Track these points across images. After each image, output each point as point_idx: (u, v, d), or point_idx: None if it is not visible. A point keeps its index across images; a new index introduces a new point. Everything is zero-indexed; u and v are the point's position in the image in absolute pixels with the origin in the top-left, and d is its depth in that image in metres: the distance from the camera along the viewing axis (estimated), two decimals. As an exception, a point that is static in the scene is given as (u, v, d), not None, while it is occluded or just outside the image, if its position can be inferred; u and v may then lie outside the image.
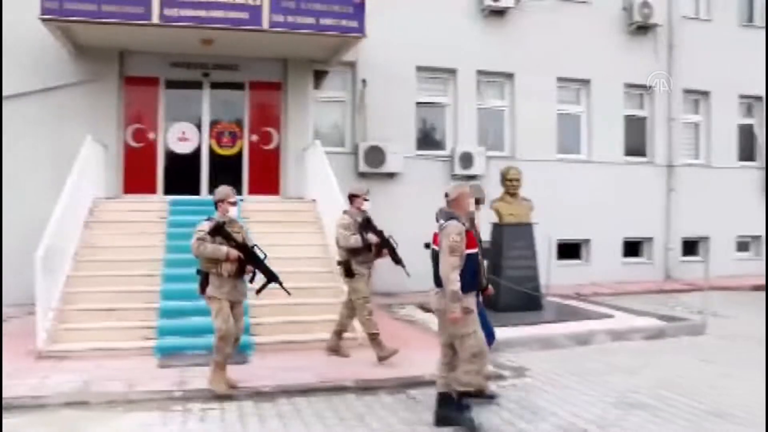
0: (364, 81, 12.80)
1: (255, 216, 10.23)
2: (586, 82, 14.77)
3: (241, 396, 6.11)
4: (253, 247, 6.37)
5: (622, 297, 12.49)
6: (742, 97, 16.40)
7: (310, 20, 10.43)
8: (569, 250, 14.64)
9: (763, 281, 14.78)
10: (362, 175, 12.53)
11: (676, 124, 15.60)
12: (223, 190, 6.46)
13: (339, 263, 7.50)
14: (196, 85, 12.18)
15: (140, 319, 7.98)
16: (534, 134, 14.07)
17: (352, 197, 7.57)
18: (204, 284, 6.25)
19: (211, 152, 12.20)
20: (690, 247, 15.83)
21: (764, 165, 16.53)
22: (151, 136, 11.92)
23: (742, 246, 16.51)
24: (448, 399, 5.42)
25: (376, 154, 12.54)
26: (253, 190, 12.19)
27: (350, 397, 6.22)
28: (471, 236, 5.39)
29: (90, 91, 11.39)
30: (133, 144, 11.85)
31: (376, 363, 7.19)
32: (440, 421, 5.42)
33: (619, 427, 5.50)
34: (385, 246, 7.44)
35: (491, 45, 13.74)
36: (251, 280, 6.43)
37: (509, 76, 14.06)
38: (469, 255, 5.31)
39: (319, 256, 9.65)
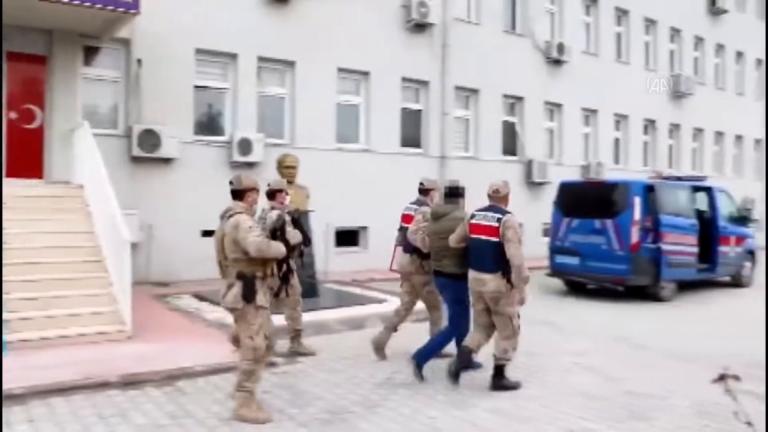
0: (139, 60, 12.16)
1: (14, 202, 9.37)
2: (365, 74, 15.24)
3: (-14, 401, 5.57)
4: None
5: (397, 282, 12.99)
6: (506, 96, 17.87)
7: (79, -10, 9.72)
8: (347, 238, 15.05)
9: (531, 264, 16.25)
10: (135, 160, 11.95)
11: (448, 118, 16.63)
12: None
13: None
14: (-61, 51, 10.85)
15: None
16: (313, 123, 14.27)
17: (274, 192, 7.17)
18: (251, 291, 5.15)
19: (-40, 130, 10.97)
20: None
21: (524, 159, 18.18)
22: None
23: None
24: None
25: (150, 138, 11.96)
26: (12, 173, 11.07)
27: (114, 393, 5.93)
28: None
29: None
30: None
31: (142, 356, 6.91)
32: (495, 387, 6.31)
33: (383, 406, 5.79)
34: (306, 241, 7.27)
35: (273, 32, 13.70)
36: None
37: (290, 63, 14.11)
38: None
39: (85, 245, 9.04)
